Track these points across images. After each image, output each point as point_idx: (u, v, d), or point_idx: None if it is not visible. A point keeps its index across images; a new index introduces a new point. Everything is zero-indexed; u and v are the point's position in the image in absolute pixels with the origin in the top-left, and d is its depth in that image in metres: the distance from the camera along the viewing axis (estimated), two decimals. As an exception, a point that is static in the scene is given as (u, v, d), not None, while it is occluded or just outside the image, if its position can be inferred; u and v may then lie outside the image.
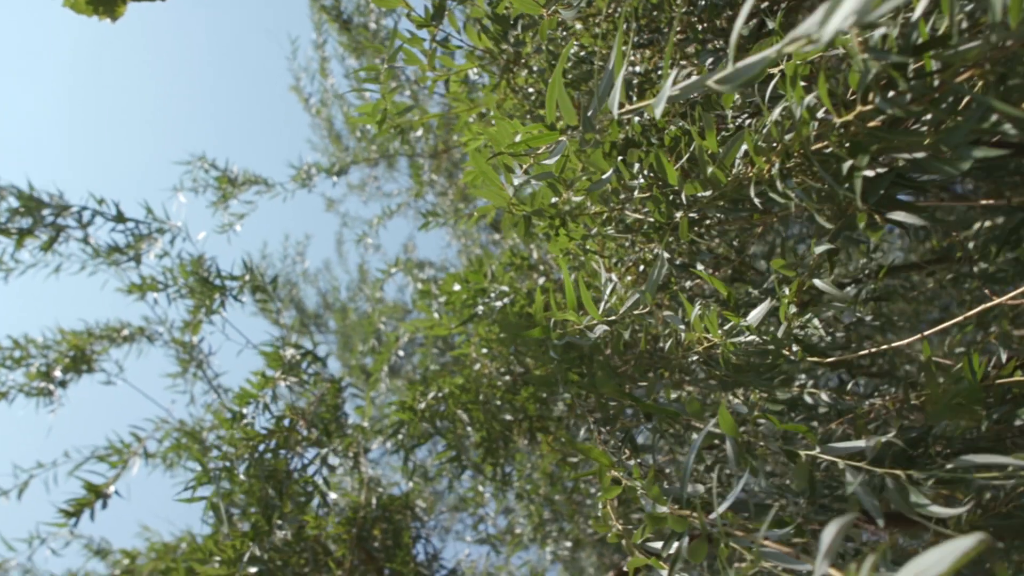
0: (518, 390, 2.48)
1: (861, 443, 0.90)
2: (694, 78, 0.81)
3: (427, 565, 3.34)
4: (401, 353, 3.58)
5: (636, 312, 1.60)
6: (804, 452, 1.00)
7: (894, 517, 3.28)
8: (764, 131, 1.04)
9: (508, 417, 2.60)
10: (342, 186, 6.21)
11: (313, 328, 6.10)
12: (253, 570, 2.54)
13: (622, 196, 1.55)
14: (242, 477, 2.60)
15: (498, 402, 2.56)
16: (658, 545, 1.06)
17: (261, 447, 2.65)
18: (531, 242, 2.66)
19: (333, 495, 3.38)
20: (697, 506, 0.95)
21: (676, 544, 1.00)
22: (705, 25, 1.79)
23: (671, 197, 1.34)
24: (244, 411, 2.72)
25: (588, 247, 1.74)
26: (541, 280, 2.76)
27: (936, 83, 0.84)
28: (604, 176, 1.53)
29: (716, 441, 1.90)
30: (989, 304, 1.27)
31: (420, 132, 4.19)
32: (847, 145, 0.97)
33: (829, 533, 0.58)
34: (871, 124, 0.93)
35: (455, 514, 5.11)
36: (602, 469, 1.30)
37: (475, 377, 2.61)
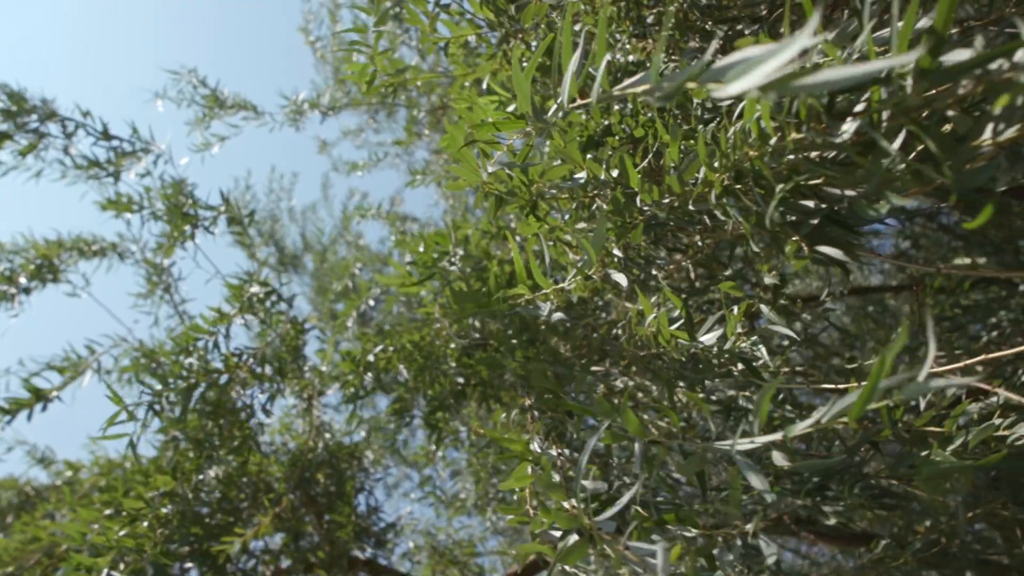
0: (473, 354, 2.49)
1: (761, 439, 0.91)
2: (635, 79, 0.81)
3: (366, 517, 3.36)
4: (372, 303, 3.58)
5: (593, 299, 1.61)
6: (699, 446, 1.01)
7: (827, 533, 3.33)
8: (719, 145, 1.05)
9: (460, 380, 2.62)
10: (336, 130, 6.18)
11: (290, 268, 6.09)
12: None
13: (592, 189, 1.55)
14: (178, 411, 2.61)
15: (453, 363, 2.57)
16: (557, 535, 1.08)
17: (204, 384, 2.65)
18: (504, 215, 2.66)
19: (279, 437, 3.40)
20: (586, 504, 0.97)
21: (563, 540, 1.02)
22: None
23: (631, 198, 1.35)
24: (190, 347, 2.72)
25: (556, 234, 1.75)
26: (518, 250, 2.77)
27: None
28: (577, 176, 1.54)
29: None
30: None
31: (419, 86, 4.17)
32: (784, 172, 0.97)
33: (660, 549, 0.60)
34: (810, 155, 0.93)
35: (406, 472, 5.14)
36: (518, 455, 1.32)
37: (432, 336, 2.62)
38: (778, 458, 1.01)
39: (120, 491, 2.61)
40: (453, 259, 2.35)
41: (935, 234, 4.36)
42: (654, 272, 1.68)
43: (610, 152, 1.41)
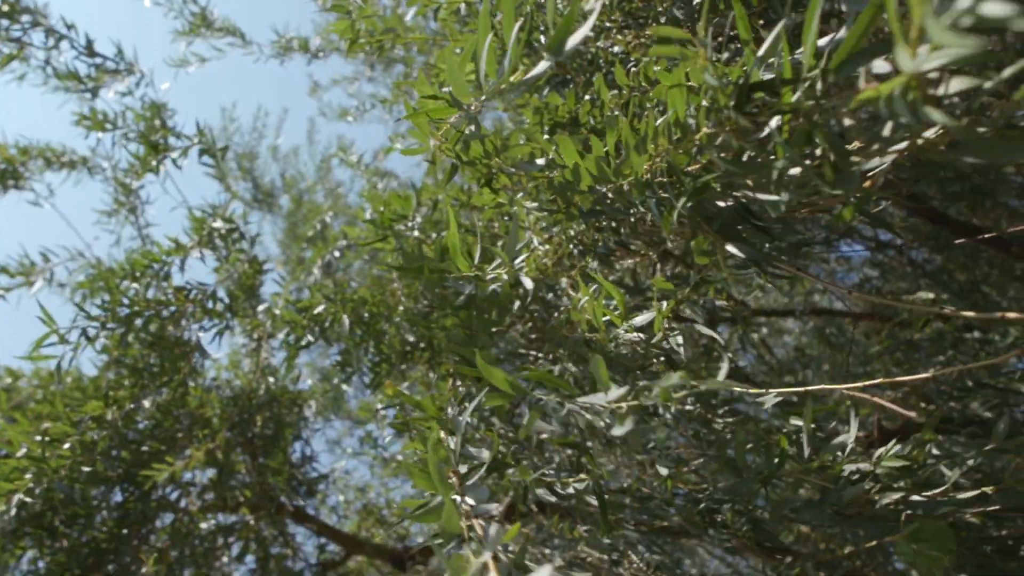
0: (427, 317, 2.49)
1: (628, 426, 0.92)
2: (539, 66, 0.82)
3: (300, 465, 3.38)
4: (337, 254, 3.57)
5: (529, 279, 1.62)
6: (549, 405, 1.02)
7: (760, 548, 3.37)
8: (646, 136, 1.06)
9: (410, 338, 2.62)
10: (333, 73, 6.13)
11: (264, 206, 6.06)
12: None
13: (548, 172, 1.56)
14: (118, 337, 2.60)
15: (405, 324, 2.57)
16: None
17: (148, 313, 2.64)
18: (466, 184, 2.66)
19: (225, 373, 3.39)
20: (458, 480, 0.98)
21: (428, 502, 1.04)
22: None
23: (571, 183, 1.35)
24: (138, 273, 2.71)
25: (505, 209, 1.75)
26: (480, 223, 2.77)
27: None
28: (538, 161, 1.54)
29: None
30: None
31: (416, 45, 4.13)
32: (699, 169, 0.99)
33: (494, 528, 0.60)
34: (722, 153, 0.94)
35: (350, 428, 5.14)
36: (430, 418, 1.33)
37: (386, 295, 2.62)
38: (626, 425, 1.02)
39: (57, 406, 2.60)
40: (412, 222, 2.35)
41: (903, 268, 4.39)
42: (595, 263, 1.69)
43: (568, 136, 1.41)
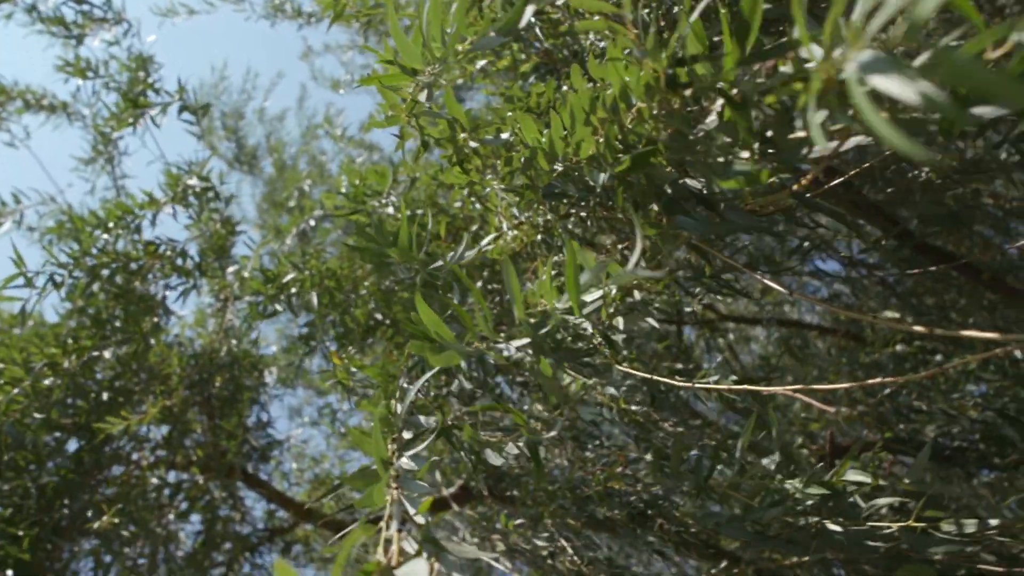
0: (391, 293, 2.50)
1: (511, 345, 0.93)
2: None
3: (255, 430, 3.38)
4: (312, 223, 3.56)
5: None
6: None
7: (692, 546, 3.40)
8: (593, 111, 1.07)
9: (377, 315, 2.62)
10: (323, 40, 6.10)
11: (246, 168, 6.02)
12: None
13: (512, 148, 1.56)
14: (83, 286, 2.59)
15: (371, 298, 2.57)
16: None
17: (115, 265, 2.63)
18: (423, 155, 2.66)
19: (189, 331, 3.38)
20: (397, 446, 1.00)
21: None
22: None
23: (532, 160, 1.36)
24: (110, 224, 2.70)
25: (475, 188, 1.76)
26: (458, 203, 2.77)
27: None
28: (501, 135, 1.54)
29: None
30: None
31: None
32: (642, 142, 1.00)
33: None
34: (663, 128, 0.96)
35: (311, 397, 5.13)
36: (381, 387, 1.34)
37: (355, 269, 2.62)
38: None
39: (12, 351, 2.59)
40: (387, 198, 2.35)
41: (875, 287, 4.42)
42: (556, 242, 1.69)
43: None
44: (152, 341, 3.04)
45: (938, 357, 3.53)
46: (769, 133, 0.85)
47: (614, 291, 1.36)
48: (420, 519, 0.94)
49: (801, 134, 0.83)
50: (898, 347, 3.57)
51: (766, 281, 1.25)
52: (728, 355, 4.95)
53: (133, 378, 2.98)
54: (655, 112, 1.00)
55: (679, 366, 3.50)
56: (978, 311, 4.06)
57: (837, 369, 3.53)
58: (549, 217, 1.62)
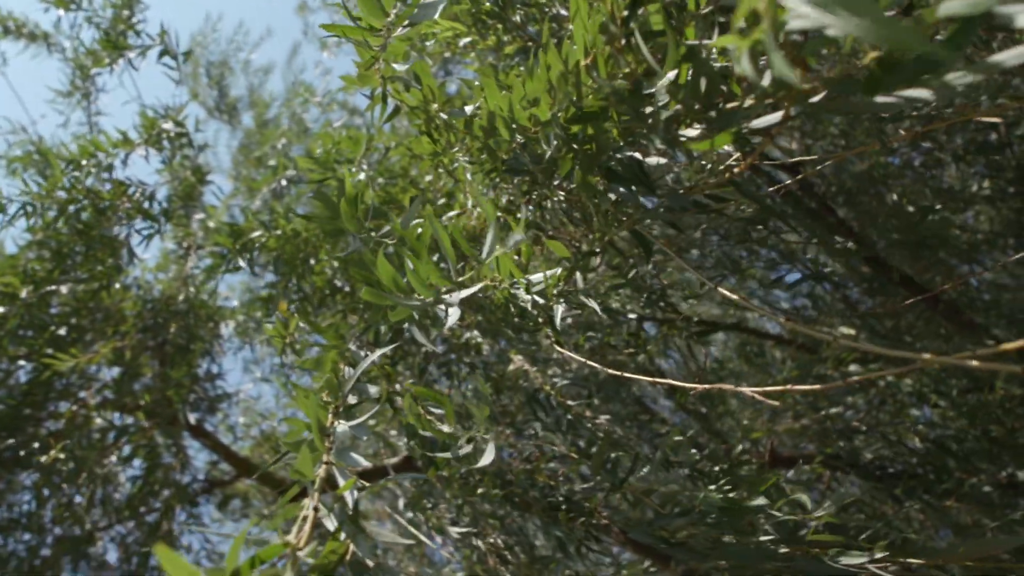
0: (348, 259, 2.50)
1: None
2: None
3: (205, 380, 3.37)
4: (284, 183, 3.54)
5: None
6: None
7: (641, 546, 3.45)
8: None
9: (337, 282, 2.62)
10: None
11: (227, 119, 5.97)
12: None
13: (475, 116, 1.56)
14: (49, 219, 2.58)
15: (331, 263, 2.58)
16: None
17: (83, 201, 2.62)
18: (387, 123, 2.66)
19: (150, 276, 3.37)
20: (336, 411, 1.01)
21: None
22: None
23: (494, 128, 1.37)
24: (84, 161, 2.68)
25: (440, 159, 1.76)
26: (429, 177, 2.76)
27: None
28: (467, 108, 1.55)
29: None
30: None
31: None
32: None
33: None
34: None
35: (269, 354, 5.11)
36: (329, 346, 1.35)
37: (318, 233, 2.61)
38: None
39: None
40: (358, 166, 2.35)
41: (836, 304, 4.47)
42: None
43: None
44: (111, 282, 3.02)
45: (888, 378, 3.57)
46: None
47: (557, 271, 1.37)
48: (349, 497, 0.95)
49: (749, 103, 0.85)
50: (852, 367, 3.61)
51: (722, 289, 1.26)
52: (687, 355, 4.98)
53: (88, 316, 2.97)
54: (609, 62, 1.02)
55: (628, 361, 3.52)
56: (933, 339, 4.11)
57: (787, 380, 3.57)
58: (511, 197, 1.63)
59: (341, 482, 1.04)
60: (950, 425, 3.18)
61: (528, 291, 1.32)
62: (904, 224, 4.08)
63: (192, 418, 3.42)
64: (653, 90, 0.94)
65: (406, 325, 1.37)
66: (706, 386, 1.07)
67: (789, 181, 3.38)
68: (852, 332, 3.73)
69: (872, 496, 3.30)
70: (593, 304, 1.26)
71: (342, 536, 0.92)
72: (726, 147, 1.00)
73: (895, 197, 3.97)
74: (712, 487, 1.31)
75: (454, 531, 1.87)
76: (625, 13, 0.95)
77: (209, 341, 3.40)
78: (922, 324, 4.14)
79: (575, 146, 1.16)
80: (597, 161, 1.14)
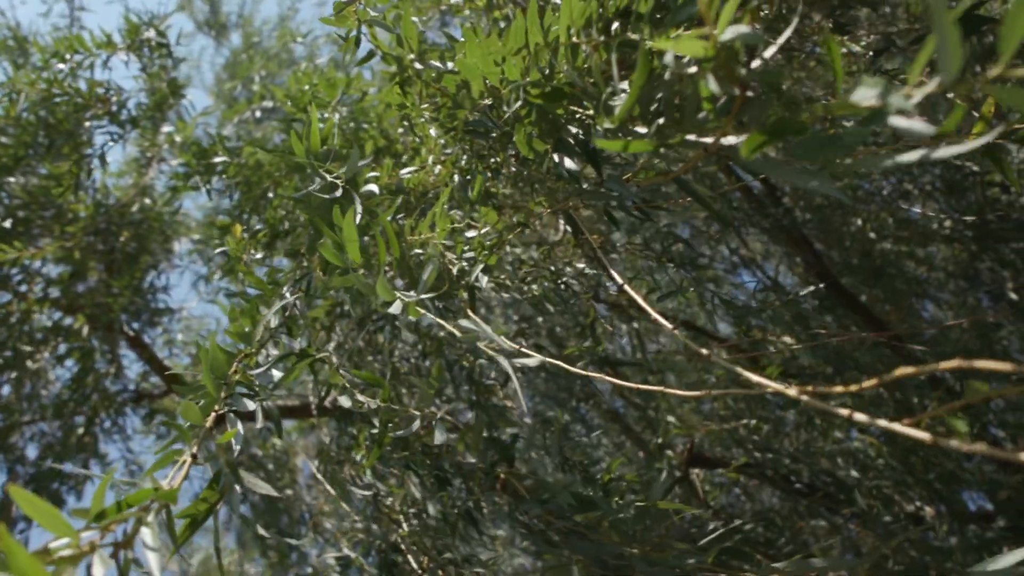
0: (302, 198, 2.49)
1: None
2: None
3: (148, 292, 3.35)
4: (259, 113, 3.52)
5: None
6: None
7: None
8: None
9: (288, 224, 2.61)
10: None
11: (215, 35, 5.89)
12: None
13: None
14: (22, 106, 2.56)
15: (286, 200, 2.57)
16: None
17: (58, 96, 2.60)
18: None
19: (111, 180, 3.35)
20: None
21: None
22: None
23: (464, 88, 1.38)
24: (66, 55, 2.66)
25: (407, 111, 1.76)
26: (401, 129, 2.75)
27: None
28: (446, 63, 1.55)
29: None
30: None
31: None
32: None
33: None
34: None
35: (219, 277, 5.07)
36: (256, 287, 1.37)
37: (281, 169, 2.61)
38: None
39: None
40: (333, 110, 2.34)
41: (788, 315, 4.50)
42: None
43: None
44: (75, 181, 2.99)
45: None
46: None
47: (487, 241, 1.38)
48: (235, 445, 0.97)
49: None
50: (790, 379, 3.65)
51: (628, 288, 1.29)
52: (635, 342, 5.02)
53: (39, 211, 2.94)
54: (586, 52, 1.04)
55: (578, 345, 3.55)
56: (874, 367, 4.17)
57: (718, 384, 3.62)
58: (466, 157, 1.63)
59: (240, 427, 1.06)
60: (871, 453, 3.24)
61: (459, 255, 1.34)
62: (864, 249, 4.13)
63: (131, 328, 3.41)
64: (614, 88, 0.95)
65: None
66: (628, 384, 1.09)
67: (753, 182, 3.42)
68: (791, 340, 3.78)
69: (789, 509, 3.37)
70: (519, 296, 1.27)
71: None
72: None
73: (859, 222, 4.01)
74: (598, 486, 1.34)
75: (356, 492, 1.89)
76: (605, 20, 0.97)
77: (159, 254, 3.38)
78: (866, 349, 4.20)
79: (533, 115, 1.18)
80: (550, 134, 1.15)
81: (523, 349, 1.11)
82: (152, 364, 3.58)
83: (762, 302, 4.51)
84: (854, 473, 3.10)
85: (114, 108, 2.86)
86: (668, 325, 0.99)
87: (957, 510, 3.15)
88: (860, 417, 0.66)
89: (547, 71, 1.13)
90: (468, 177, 1.72)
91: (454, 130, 1.56)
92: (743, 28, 0.64)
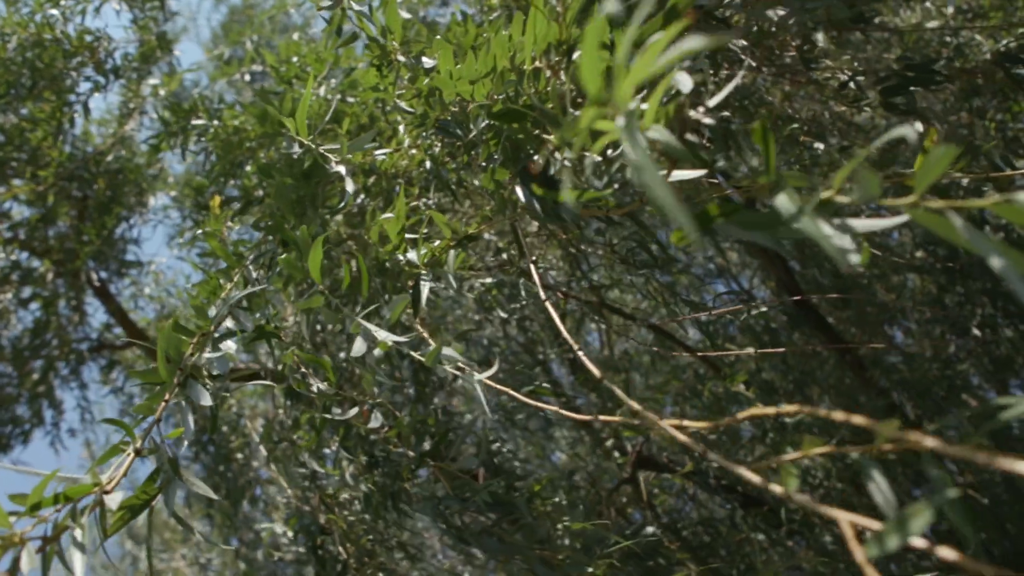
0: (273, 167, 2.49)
1: None
2: None
3: (118, 242, 3.34)
4: (248, 77, 3.50)
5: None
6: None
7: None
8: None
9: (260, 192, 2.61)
10: None
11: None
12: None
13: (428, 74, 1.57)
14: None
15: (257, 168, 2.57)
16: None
17: (48, 42, 2.59)
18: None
19: (95, 128, 3.33)
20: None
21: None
22: None
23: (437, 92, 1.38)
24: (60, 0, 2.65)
25: (381, 95, 1.76)
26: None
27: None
28: (424, 59, 1.56)
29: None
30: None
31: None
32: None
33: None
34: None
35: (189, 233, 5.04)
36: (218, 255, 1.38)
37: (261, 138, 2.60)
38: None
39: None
40: (315, 84, 2.33)
41: (756, 327, 4.53)
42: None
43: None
44: (57, 126, 2.98)
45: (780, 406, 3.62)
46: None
47: (437, 244, 1.39)
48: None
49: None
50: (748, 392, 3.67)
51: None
52: (606, 342, 5.03)
53: (14, 152, 2.93)
54: (548, 77, 1.05)
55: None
56: (833, 388, 4.20)
57: (671, 388, 3.65)
58: (435, 151, 1.64)
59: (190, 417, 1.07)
60: (818, 472, 3.28)
61: (403, 254, 1.35)
62: (837, 271, 4.16)
63: (98, 277, 3.40)
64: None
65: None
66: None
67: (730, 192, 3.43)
68: (752, 350, 3.79)
69: (737, 519, 3.40)
70: (452, 281, 1.28)
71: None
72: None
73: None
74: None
75: (299, 470, 1.90)
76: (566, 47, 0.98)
77: (133, 206, 3.37)
78: (829, 370, 4.23)
79: (496, 139, 1.19)
80: (513, 157, 1.16)
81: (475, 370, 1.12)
82: (116, 315, 3.57)
83: (732, 312, 4.54)
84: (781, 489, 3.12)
85: (101, 56, 2.85)
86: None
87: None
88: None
89: (511, 94, 1.14)
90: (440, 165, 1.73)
91: (423, 125, 1.57)
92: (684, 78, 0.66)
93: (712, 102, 0.71)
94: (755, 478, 0.59)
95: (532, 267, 1.19)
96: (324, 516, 1.72)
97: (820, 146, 2.29)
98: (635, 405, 0.77)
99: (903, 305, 4.03)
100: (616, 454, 3.40)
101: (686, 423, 0.72)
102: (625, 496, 3.31)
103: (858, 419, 0.56)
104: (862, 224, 0.53)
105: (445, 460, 1.39)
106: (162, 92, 3.12)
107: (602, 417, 0.92)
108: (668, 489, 3.76)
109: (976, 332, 3.62)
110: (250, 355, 3.67)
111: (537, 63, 1.08)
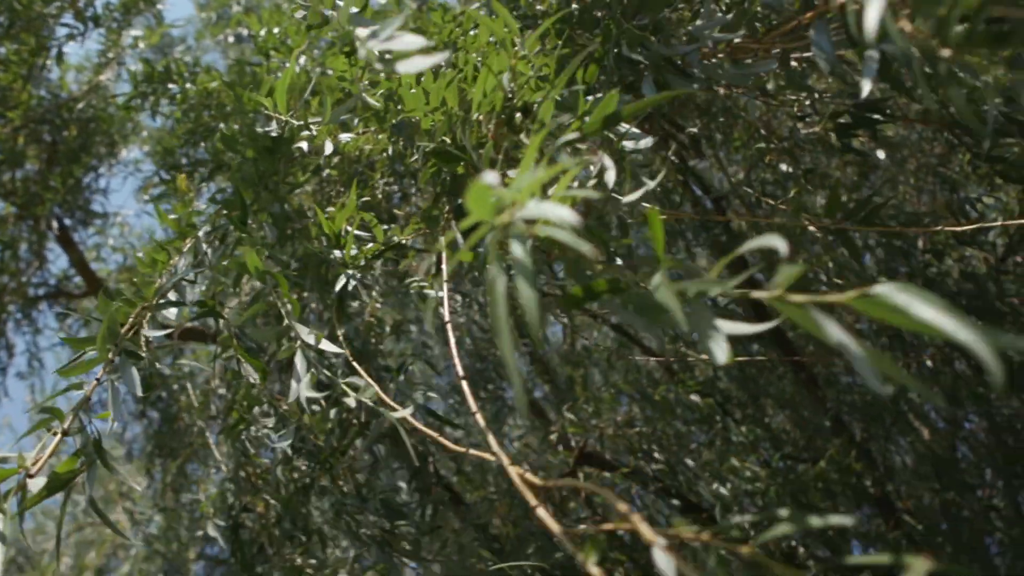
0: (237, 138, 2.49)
1: None
2: None
3: (83, 189, 3.31)
4: (231, 39, 3.47)
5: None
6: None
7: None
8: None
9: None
10: None
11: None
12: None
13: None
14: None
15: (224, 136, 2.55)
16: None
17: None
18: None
19: (72, 75, 3.30)
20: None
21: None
22: None
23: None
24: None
25: (347, 84, 1.76)
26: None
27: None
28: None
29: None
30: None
31: None
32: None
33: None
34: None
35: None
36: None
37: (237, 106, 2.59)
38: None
39: None
40: (294, 57, 2.32)
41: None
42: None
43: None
44: (29, 69, 2.94)
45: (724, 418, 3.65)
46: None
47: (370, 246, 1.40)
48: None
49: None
50: (697, 398, 3.69)
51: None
52: (570, 335, 5.04)
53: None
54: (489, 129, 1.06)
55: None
56: (785, 405, 4.22)
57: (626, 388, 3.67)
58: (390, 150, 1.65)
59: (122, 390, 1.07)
60: (760, 485, 3.31)
61: (338, 248, 1.35)
62: (801, 287, 4.18)
63: (60, 224, 3.37)
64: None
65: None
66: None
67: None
68: (705, 356, 3.81)
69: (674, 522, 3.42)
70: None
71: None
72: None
73: (800, 261, 4.05)
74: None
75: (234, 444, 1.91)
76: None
77: (104, 156, 3.34)
78: (785, 385, 4.24)
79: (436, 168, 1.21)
80: (452, 191, 1.18)
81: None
82: (77, 265, 3.54)
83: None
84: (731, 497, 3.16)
85: (81, 3, 2.82)
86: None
87: (835, 557, 3.23)
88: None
89: (455, 135, 1.16)
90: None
91: (384, 120, 1.57)
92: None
93: (628, 199, 0.73)
94: (568, 544, 0.60)
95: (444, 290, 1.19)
96: (249, 496, 1.73)
97: (786, 167, 2.31)
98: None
99: (862, 328, 4.06)
100: (560, 448, 3.42)
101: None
102: (565, 491, 3.33)
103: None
104: (730, 327, 0.56)
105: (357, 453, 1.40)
106: (142, 45, 3.09)
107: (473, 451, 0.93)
108: (610, 487, 3.78)
109: (928, 363, 3.66)
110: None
111: (480, 117, 1.10)
